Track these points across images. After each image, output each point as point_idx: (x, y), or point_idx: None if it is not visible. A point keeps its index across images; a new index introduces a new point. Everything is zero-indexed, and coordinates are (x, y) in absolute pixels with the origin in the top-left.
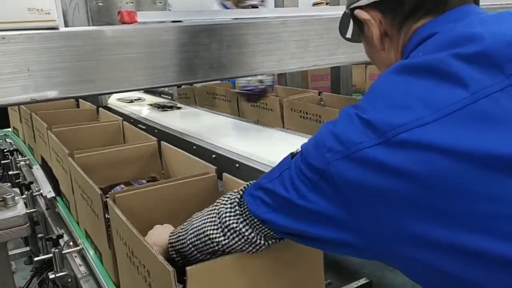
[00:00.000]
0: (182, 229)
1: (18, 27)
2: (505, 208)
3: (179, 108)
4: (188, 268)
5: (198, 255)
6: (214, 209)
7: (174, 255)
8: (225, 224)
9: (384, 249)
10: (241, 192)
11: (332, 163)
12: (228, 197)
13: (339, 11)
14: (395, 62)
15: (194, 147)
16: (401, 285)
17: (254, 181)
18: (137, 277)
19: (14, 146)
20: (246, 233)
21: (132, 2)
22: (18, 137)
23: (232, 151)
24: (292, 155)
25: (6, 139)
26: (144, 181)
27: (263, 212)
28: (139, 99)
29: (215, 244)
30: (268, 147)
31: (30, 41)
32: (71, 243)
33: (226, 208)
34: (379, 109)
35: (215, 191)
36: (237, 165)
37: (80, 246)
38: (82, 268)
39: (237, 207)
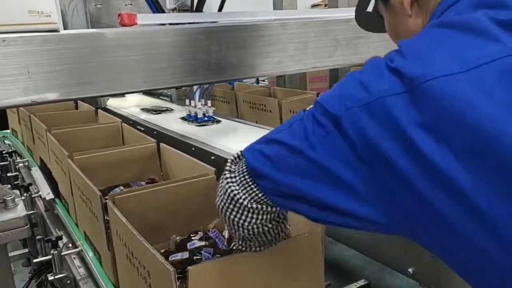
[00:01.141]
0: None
1: (18, 29)
2: None
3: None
4: (189, 268)
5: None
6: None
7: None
8: (219, 186)
9: (401, 217)
10: (239, 152)
11: (350, 110)
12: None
13: (338, 13)
14: (422, 27)
15: (193, 149)
16: (400, 287)
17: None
18: (137, 278)
19: (12, 148)
20: (229, 190)
21: (132, 4)
22: (17, 138)
23: (231, 153)
24: (305, 110)
25: (5, 141)
26: (143, 182)
27: (260, 164)
28: (168, 109)
29: (217, 206)
30: None
31: (30, 44)
32: (70, 245)
33: (225, 168)
34: (408, 58)
35: (214, 192)
36: None
37: (79, 248)
38: (81, 270)
39: (229, 165)
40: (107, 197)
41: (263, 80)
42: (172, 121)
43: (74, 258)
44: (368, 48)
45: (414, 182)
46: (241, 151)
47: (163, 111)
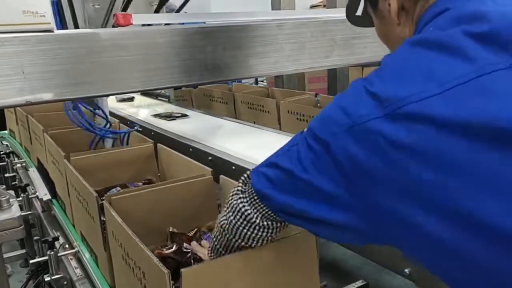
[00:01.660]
0: (212, 234)
1: (13, 29)
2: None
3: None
4: (183, 270)
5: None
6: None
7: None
8: (228, 204)
9: (385, 228)
10: (248, 172)
11: (337, 135)
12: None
13: (335, 13)
14: (410, 36)
15: (191, 150)
16: (398, 287)
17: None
18: (132, 279)
19: (10, 148)
20: (243, 209)
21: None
22: (15, 139)
23: (229, 153)
24: (303, 131)
25: (3, 141)
26: (140, 183)
27: (264, 187)
28: (182, 115)
29: (227, 233)
30: (265, 149)
31: (25, 44)
32: (67, 246)
33: (234, 187)
34: (386, 81)
35: (211, 193)
36: (233, 167)
37: (76, 249)
38: (78, 271)
39: (241, 185)
40: (103, 198)
41: (262, 81)
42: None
43: (71, 259)
44: (365, 48)
45: (400, 202)
46: (249, 173)
47: (178, 117)
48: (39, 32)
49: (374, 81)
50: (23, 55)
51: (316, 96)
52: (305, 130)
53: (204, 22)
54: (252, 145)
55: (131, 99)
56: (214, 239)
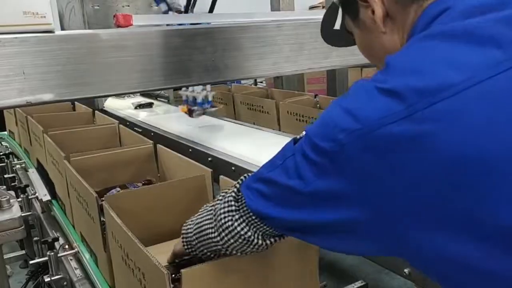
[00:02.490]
0: (191, 221)
1: (13, 30)
2: None
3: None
4: (183, 270)
5: (205, 251)
6: (213, 204)
7: (186, 247)
8: (220, 223)
9: (397, 232)
10: (237, 186)
11: (348, 145)
12: (226, 191)
13: None
14: (399, 44)
15: (190, 150)
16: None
17: (254, 171)
18: (132, 279)
19: (9, 149)
20: (242, 232)
21: (129, 6)
22: (14, 140)
23: (229, 154)
24: (295, 140)
25: (2, 142)
26: (140, 184)
27: (261, 206)
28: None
29: (214, 243)
30: (265, 150)
31: (25, 45)
32: (67, 246)
33: (222, 204)
34: (403, 75)
35: (211, 194)
36: (233, 167)
37: (76, 249)
38: (78, 272)
39: (232, 202)
40: (103, 198)
41: (261, 82)
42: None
43: (71, 259)
44: None
45: (436, 232)
46: (239, 187)
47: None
48: (40, 32)
49: (385, 78)
50: (23, 56)
51: (315, 97)
52: (300, 137)
53: (210, 23)
54: (252, 145)
55: (150, 105)
56: (194, 238)
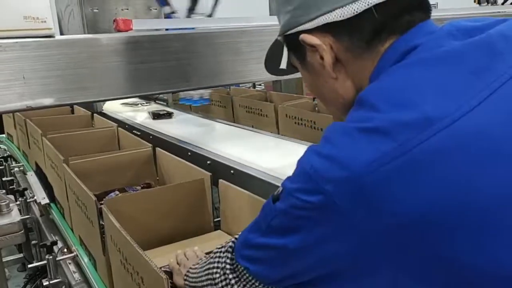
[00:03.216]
0: (192, 274)
1: (14, 35)
2: None
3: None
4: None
5: None
6: (210, 274)
7: None
8: None
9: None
10: (229, 255)
11: (337, 196)
12: (218, 261)
13: None
14: (354, 90)
15: (189, 153)
16: None
17: (238, 235)
18: (131, 284)
19: (8, 152)
20: None
21: (128, 9)
22: (13, 143)
23: (227, 157)
24: (274, 197)
25: (0, 145)
26: (139, 187)
27: (262, 273)
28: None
29: None
30: (263, 153)
31: (26, 49)
32: (65, 250)
33: (220, 276)
34: (388, 111)
35: (209, 197)
36: (232, 171)
37: (74, 253)
38: (76, 275)
39: (230, 276)
40: (102, 202)
41: (260, 85)
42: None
43: (69, 263)
44: None
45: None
46: (233, 257)
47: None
48: (40, 37)
49: (367, 116)
50: (24, 61)
51: (314, 100)
52: (277, 193)
53: (209, 27)
54: (251, 149)
55: (169, 115)
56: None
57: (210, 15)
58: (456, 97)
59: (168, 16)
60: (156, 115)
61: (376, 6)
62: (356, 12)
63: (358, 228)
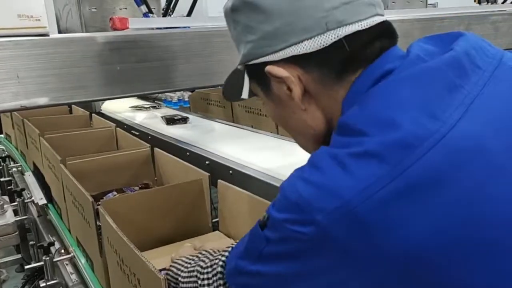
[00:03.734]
0: (175, 272)
1: (8, 33)
2: None
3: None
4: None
5: None
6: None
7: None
8: None
9: None
10: (221, 282)
11: (329, 227)
12: (208, 283)
13: None
14: (324, 119)
15: (188, 154)
16: None
17: (226, 257)
18: (128, 286)
19: (6, 153)
20: None
21: (126, 8)
22: (11, 143)
23: (226, 158)
24: (261, 224)
25: None
26: (136, 188)
27: None
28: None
29: None
30: (262, 153)
31: (20, 48)
32: (63, 251)
33: None
34: (376, 132)
35: (208, 197)
36: (230, 171)
37: (72, 254)
38: (74, 276)
39: None
40: (99, 202)
41: None
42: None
43: (67, 264)
44: None
45: None
46: (222, 277)
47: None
48: (35, 36)
49: (355, 141)
50: (18, 59)
51: None
52: (263, 218)
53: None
54: (250, 149)
55: (185, 120)
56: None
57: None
58: (439, 113)
59: (145, 15)
60: (170, 121)
61: (346, 37)
62: (326, 44)
63: (355, 259)
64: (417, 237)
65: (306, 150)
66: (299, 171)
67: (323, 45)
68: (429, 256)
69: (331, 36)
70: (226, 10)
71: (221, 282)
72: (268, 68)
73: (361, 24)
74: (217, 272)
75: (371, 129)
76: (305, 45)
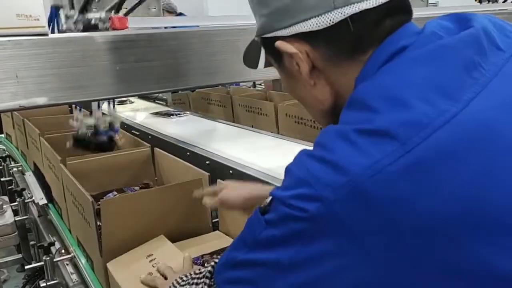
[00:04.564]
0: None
1: (6, 33)
2: None
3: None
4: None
5: None
6: None
7: None
8: None
9: None
10: (207, 281)
11: (336, 203)
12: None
13: None
14: (332, 97)
15: (188, 153)
16: None
17: (218, 259)
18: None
19: (6, 152)
20: None
21: (126, 8)
22: (11, 143)
23: (226, 157)
24: (261, 209)
25: None
26: (137, 187)
27: None
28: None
29: None
30: (263, 153)
31: (18, 48)
32: (63, 251)
33: None
34: (387, 110)
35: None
36: (231, 171)
37: (72, 254)
38: (74, 276)
39: None
40: (100, 202)
41: (260, 84)
42: None
43: (67, 264)
44: None
45: None
46: (211, 284)
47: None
48: (33, 35)
49: (367, 117)
50: (17, 59)
51: None
52: (264, 204)
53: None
54: (250, 148)
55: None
56: None
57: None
58: (453, 92)
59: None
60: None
61: (354, 15)
62: (332, 22)
63: (361, 241)
64: (425, 212)
65: (318, 122)
66: (305, 151)
67: (330, 23)
68: (435, 231)
69: (338, 14)
70: None
71: (207, 281)
72: (278, 43)
73: (369, 3)
74: (205, 274)
75: (382, 106)
76: (312, 22)
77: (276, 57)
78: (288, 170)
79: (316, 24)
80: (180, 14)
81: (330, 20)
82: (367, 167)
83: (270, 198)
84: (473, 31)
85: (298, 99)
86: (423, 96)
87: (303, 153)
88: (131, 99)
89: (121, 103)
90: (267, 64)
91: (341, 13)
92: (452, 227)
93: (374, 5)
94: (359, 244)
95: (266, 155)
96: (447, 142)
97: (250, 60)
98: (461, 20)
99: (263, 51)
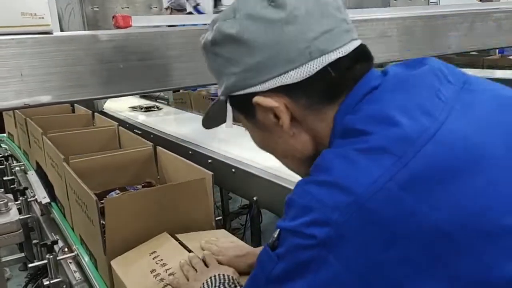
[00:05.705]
0: None
1: (11, 31)
2: None
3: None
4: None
5: None
6: None
7: None
8: None
9: None
10: None
11: (345, 224)
12: None
13: None
14: (311, 144)
15: (190, 152)
16: None
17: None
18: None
19: (9, 152)
20: None
21: (128, 7)
22: (13, 142)
23: (229, 156)
24: (270, 245)
25: (1, 144)
26: (139, 186)
27: None
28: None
29: None
30: (264, 152)
31: (23, 46)
32: (66, 249)
33: None
34: (379, 130)
35: (210, 195)
36: (233, 170)
37: (75, 252)
38: (77, 275)
39: None
40: (103, 201)
41: None
42: None
43: (70, 262)
44: None
45: None
46: None
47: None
48: (38, 34)
49: (359, 139)
50: (21, 57)
51: None
52: (272, 240)
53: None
54: (252, 148)
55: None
56: None
57: None
58: (430, 110)
59: (195, 8)
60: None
61: (331, 64)
62: (311, 73)
63: (371, 257)
64: (429, 224)
65: (295, 172)
66: (303, 180)
67: (309, 74)
68: (442, 242)
69: (316, 64)
70: (205, 43)
71: None
72: (256, 99)
73: (341, 51)
74: None
75: (374, 127)
76: (291, 75)
77: (247, 113)
78: (289, 201)
79: (295, 76)
80: (194, 10)
81: (308, 71)
82: (370, 184)
83: (277, 231)
84: (429, 67)
85: (272, 151)
86: (407, 114)
87: (301, 182)
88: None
89: (148, 109)
90: (235, 121)
91: (319, 63)
92: (457, 236)
93: (347, 53)
94: (368, 261)
95: (268, 154)
96: (435, 156)
97: (214, 121)
98: (417, 62)
99: (229, 111)
